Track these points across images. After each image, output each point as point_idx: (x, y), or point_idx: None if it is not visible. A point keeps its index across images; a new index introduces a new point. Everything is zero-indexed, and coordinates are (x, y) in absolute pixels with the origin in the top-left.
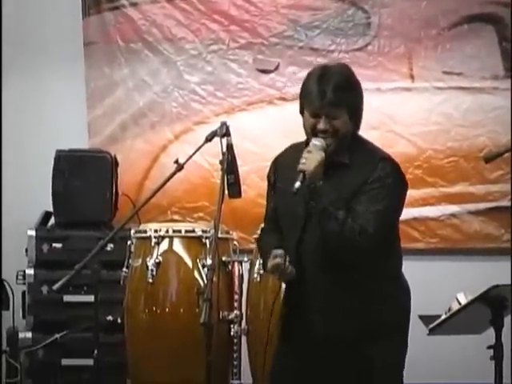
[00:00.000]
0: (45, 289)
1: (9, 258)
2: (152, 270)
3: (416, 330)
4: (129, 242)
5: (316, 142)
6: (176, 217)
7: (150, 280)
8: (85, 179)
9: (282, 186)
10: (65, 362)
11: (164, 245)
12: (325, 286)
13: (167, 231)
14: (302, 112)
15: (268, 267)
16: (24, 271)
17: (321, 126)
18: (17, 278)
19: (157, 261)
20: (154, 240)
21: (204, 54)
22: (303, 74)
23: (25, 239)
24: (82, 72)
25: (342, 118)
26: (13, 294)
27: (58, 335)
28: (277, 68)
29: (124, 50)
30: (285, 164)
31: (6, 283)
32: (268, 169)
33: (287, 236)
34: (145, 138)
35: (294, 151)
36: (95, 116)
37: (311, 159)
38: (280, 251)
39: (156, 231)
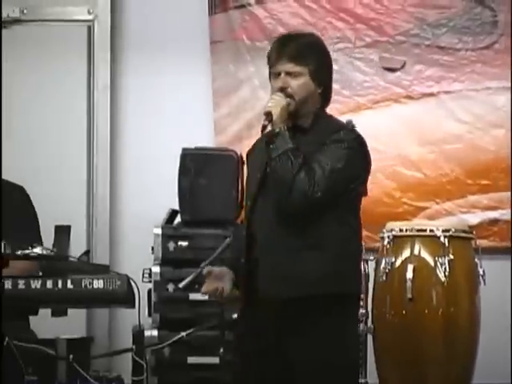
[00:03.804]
0: (171, 287)
1: (135, 255)
2: None
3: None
4: None
5: (278, 94)
6: None
7: None
8: (210, 178)
9: (251, 168)
10: (191, 359)
11: None
12: (270, 248)
13: None
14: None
15: (203, 290)
16: (150, 269)
17: (278, 83)
18: (143, 276)
19: None
20: None
21: (330, 52)
22: (430, 72)
23: (151, 237)
24: (208, 70)
25: (302, 79)
26: (139, 291)
27: (183, 333)
28: (403, 66)
29: (250, 48)
30: (258, 145)
31: (132, 281)
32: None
33: (246, 208)
34: None
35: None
36: (221, 114)
37: (277, 102)
38: (219, 271)
39: None
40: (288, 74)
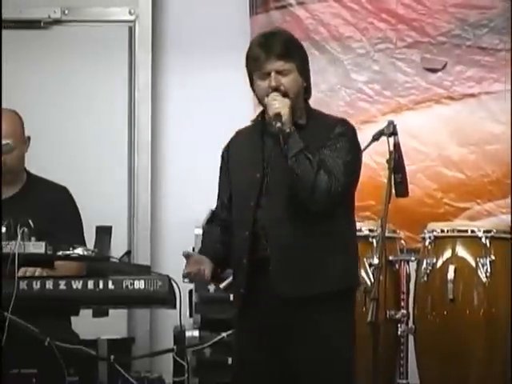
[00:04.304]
0: (212, 287)
1: (176, 256)
2: None
3: None
4: None
5: (275, 94)
6: None
7: None
8: None
9: (238, 161)
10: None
11: None
12: (284, 247)
13: None
14: (252, 84)
15: (185, 271)
16: None
17: (272, 82)
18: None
19: None
20: None
21: (371, 52)
22: (471, 72)
23: (192, 238)
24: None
25: (292, 75)
26: (180, 292)
27: (224, 334)
28: (444, 67)
29: None
30: (238, 144)
31: (173, 282)
32: None
33: (241, 208)
34: None
35: (245, 133)
36: None
37: (284, 102)
38: (199, 256)
39: None
40: (278, 72)
